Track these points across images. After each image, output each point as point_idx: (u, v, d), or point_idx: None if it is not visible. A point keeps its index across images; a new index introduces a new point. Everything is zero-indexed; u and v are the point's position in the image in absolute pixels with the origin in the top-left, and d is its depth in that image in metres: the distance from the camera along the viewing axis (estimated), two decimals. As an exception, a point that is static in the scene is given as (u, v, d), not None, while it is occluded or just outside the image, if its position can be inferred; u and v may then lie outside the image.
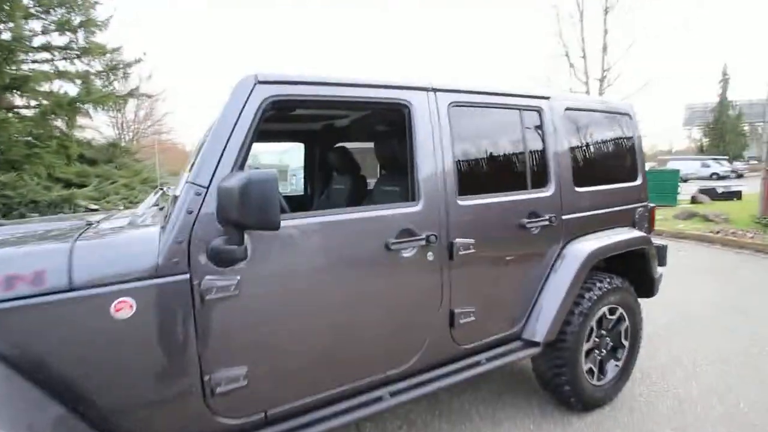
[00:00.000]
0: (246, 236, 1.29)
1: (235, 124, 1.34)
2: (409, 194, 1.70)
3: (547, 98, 2.13)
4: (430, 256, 1.69)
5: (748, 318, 3.63)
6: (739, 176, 21.98)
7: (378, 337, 1.64)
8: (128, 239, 1.35)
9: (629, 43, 18.35)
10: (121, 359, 1.17)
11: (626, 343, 2.42)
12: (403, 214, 1.63)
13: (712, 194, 12.49)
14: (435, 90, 1.75)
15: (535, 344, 2.02)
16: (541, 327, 2.02)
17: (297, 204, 3.14)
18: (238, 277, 1.30)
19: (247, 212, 1.17)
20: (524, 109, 2.04)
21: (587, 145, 2.33)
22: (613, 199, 2.42)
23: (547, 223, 2.03)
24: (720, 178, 20.87)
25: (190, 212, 1.25)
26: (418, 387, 1.69)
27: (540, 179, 2.08)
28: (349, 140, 3.00)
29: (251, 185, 1.15)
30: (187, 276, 1.24)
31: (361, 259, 1.56)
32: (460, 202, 1.77)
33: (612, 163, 2.50)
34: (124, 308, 1.16)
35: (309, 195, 3.24)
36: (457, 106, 1.80)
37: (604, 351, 2.33)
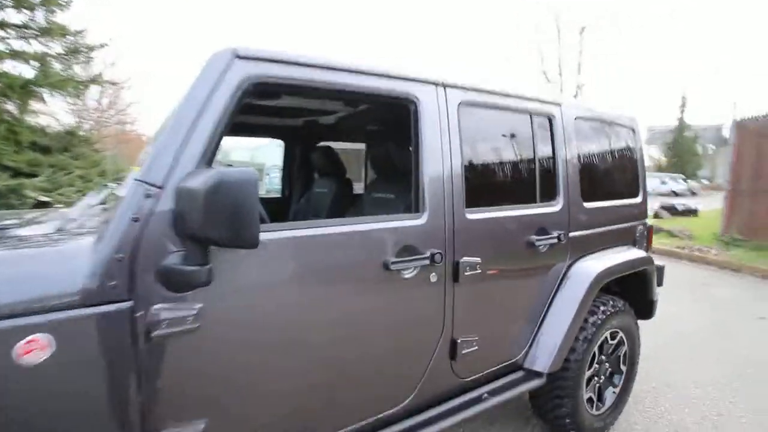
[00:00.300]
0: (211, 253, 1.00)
1: (204, 107, 1.05)
2: (412, 205, 1.45)
3: (559, 104, 1.95)
4: (433, 277, 1.45)
5: (733, 339, 3.63)
6: (693, 194, 23.32)
7: (371, 374, 1.38)
8: (47, 253, 1.02)
9: (603, 62, 19.08)
10: (28, 423, 0.85)
11: (624, 369, 2.28)
12: (406, 229, 1.38)
13: (672, 210, 13.07)
14: (445, 85, 1.52)
15: (539, 375, 1.82)
16: (545, 356, 1.82)
17: (273, 209, 2.82)
18: (199, 306, 1.00)
19: (215, 223, 0.88)
20: (535, 115, 1.85)
21: (594, 158, 2.18)
22: (617, 216, 2.28)
23: (555, 240, 1.84)
24: (677, 195, 22.05)
25: (136, 220, 0.94)
26: (413, 431, 1.43)
27: (548, 192, 1.89)
28: (336, 139, 2.73)
29: (223, 187, 0.87)
30: (129, 304, 0.93)
31: (355, 282, 1.30)
32: (468, 216, 1.54)
33: (617, 177, 2.37)
34: (34, 350, 0.84)
35: (286, 197, 2.93)
36: (467, 105, 1.58)
37: (603, 377, 2.18)
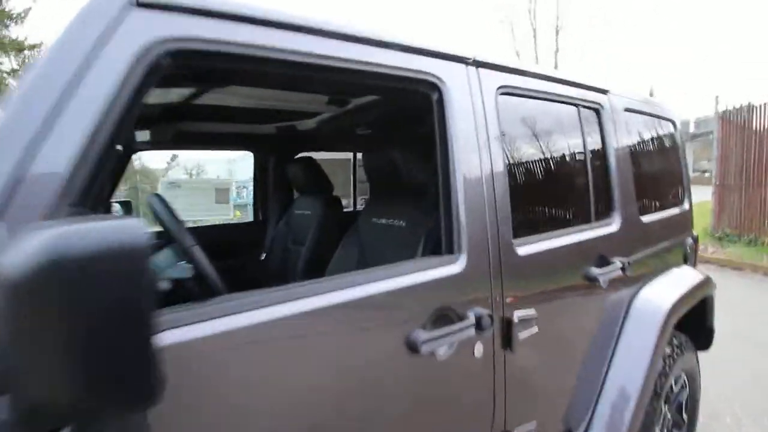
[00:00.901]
0: None
1: (71, 92, 0.54)
2: (443, 241, 0.96)
3: (606, 92, 1.52)
4: (478, 350, 0.96)
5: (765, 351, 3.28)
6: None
7: None
8: None
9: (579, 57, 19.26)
10: None
11: (686, 418, 1.84)
12: (438, 283, 0.89)
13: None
14: (478, 64, 1.04)
15: None
16: None
17: (245, 238, 2.29)
18: None
19: (36, 368, 0.37)
20: (582, 106, 1.41)
21: (644, 160, 1.75)
22: (669, 230, 1.86)
23: (619, 272, 1.38)
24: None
25: None
26: None
27: (603, 207, 1.45)
28: (319, 148, 2.23)
29: (59, 275, 0.36)
30: None
31: (362, 383, 0.80)
32: (519, 250, 1.07)
33: (665, 182, 1.96)
34: None
35: (261, 221, 2.40)
36: (507, 92, 1.11)
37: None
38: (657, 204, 1.79)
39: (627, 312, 1.50)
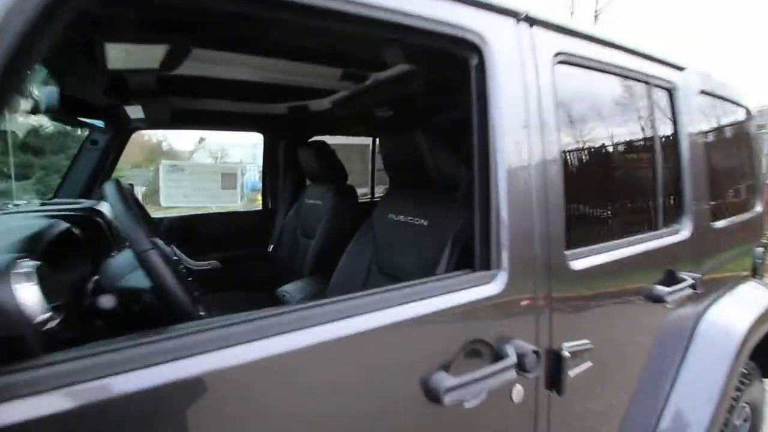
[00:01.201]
0: None
1: None
2: (476, 255, 0.74)
3: (682, 69, 1.23)
4: (517, 394, 0.74)
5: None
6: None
7: None
8: None
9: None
10: None
11: (746, 456, 1.58)
12: (473, 307, 0.68)
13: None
14: (531, 21, 0.80)
15: None
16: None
17: (251, 229, 2.13)
18: None
19: None
20: (654, 85, 1.14)
21: (717, 154, 1.46)
22: (740, 238, 1.58)
23: (689, 290, 1.13)
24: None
25: None
26: None
27: (671, 211, 1.18)
28: (333, 130, 2.03)
29: None
30: None
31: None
32: (572, 264, 0.84)
33: (737, 182, 1.66)
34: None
35: (270, 210, 2.23)
36: (565, 62, 0.87)
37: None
38: (729, 207, 1.51)
39: (691, 337, 1.24)
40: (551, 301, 0.79)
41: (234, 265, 2.08)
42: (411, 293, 0.65)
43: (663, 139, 1.15)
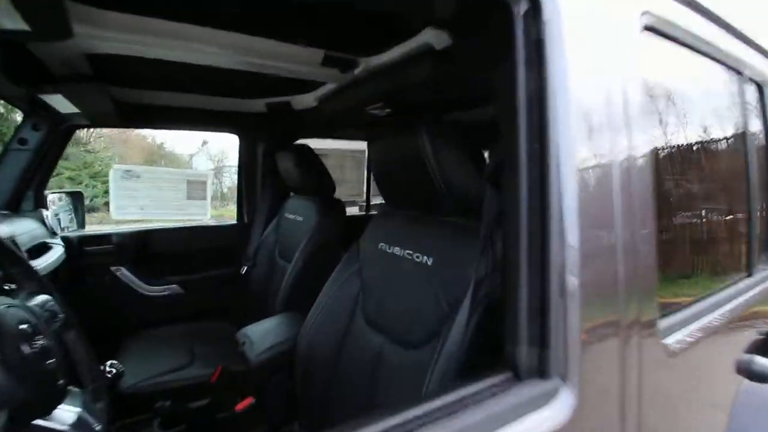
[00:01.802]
0: None
1: None
2: (519, 331, 0.42)
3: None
4: None
5: None
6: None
7: None
8: None
9: None
10: None
11: None
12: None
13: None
14: None
15: None
16: None
17: (222, 246, 1.82)
18: None
19: None
20: (745, 78, 0.83)
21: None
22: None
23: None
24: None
25: None
26: None
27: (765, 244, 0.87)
28: (320, 132, 1.72)
29: None
30: None
31: None
32: (667, 341, 0.52)
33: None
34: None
35: (246, 225, 1.91)
36: (653, 29, 0.56)
37: None
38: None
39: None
40: (640, 410, 0.47)
41: (198, 290, 1.76)
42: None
43: (758, 149, 0.84)
